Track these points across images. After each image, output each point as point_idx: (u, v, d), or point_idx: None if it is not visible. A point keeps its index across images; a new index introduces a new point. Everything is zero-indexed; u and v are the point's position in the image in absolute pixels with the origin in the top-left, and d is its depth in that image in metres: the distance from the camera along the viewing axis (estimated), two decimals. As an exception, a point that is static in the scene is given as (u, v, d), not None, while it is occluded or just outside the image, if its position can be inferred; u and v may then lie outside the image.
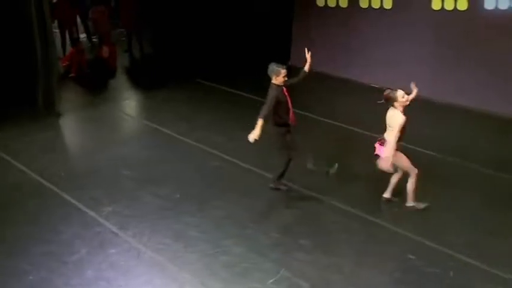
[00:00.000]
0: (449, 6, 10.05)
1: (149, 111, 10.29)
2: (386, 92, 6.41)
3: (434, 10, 10.21)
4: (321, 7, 11.59)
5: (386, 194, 6.92)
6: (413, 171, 6.52)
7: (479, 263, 5.80)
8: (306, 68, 6.99)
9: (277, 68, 6.67)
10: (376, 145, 6.55)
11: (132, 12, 12.74)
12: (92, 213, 6.66)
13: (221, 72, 11.72)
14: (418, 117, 9.35)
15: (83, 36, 14.03)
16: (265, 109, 6.57)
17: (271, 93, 6.63)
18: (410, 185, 6.62)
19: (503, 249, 6.11)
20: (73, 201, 6.92)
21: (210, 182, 7.52)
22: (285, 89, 6.74)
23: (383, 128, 6.49)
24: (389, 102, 6.36)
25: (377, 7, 10.93)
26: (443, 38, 10.26)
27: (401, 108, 6.32)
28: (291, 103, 6.78)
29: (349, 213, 6.81)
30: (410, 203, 6.74)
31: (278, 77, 6.65)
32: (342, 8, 11.37)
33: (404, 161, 6.52)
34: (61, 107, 9.88)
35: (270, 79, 6.74)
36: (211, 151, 8.42)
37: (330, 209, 6.90)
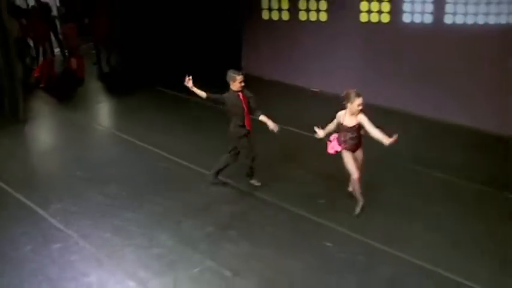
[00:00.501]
0: (374, 19, 10.14)
1: (109, 117, 10.15)
2: (350, 91, 6.33)
3: (363, 22, 10.25)
4: (267, 20, 11.53)
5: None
6: (353, 175, 6.50)
7: (387, 248, 5.92)
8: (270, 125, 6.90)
9: (232, 75, 6.75)
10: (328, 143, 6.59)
11: (102, 29, 12.77)
12: (40, 211, 6.78)
13: (179, 80, 11.53)
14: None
15: (57, 50, 13.78)
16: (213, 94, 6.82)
17: (225, 94, 6.79)
18: (352, 186, 6.72)
19: (417, 237, 6.23)
20: (24, 200, 7.00)
21: (155, 181, 7.66)
22: (241, 95, 6.78)
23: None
24: (345, 101, 6.31)
25: (314, 19, 10.92)
26: (370, 48, 10.51)
27: (349, 112, 6.31)
28: (248, 110, 6.84)
29: (279, 207, 6.92)
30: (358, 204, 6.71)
31: (234, 82, 6.72)
32: (284, 20, 11.38)
33: (347, 162, 6.49)
34: (26, 114, 9.91)
35: (225, 86, 6.83)
36: (162, 153, 8.47)
37: (263, 203, 6.95)
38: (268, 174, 7.43)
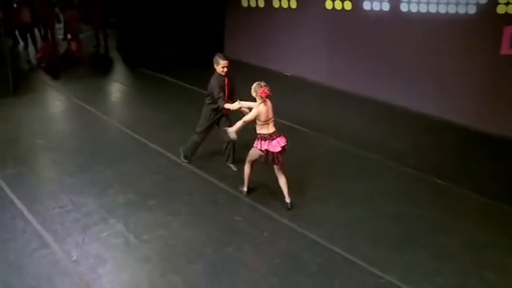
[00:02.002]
0: (338, 6, 9.75)
1: (87, 94, 10.16)
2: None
3: (328, 9, 9.87)
4: (246, 7, 11.29)
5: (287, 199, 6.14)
6: (247, 162, 6.11)
7: (296, 226, 5.69)
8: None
9: (217, 58, 6.44)
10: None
11: (99, 16, 13.03)
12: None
13: (164, 63, 11.55)
14: (312, 100, 9.22)
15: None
16: (220, 97, 6.39)
17: (213, 81, 6.45)
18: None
19: (318, 212, 6.01)
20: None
21: (102, 151, 7.56)
22: (226, 79, 6.47)
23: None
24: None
25: (286, 7, 10.58)
26: (335, 34, 10.15)
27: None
28: (228, 94, 6.50)
29: (203, 179, 6.71)
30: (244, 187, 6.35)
31: (217, 66, 6.43)
32: (260, 8, 11.06)
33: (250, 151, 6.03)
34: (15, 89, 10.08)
35: (209, 69, 6.56)
36: (120, 127, 8.42)
37: (191, 176, 6.73)
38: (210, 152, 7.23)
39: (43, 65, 11.77)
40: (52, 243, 5.42)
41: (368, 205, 6.15)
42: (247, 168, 6.19)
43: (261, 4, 11.12)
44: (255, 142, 5.92)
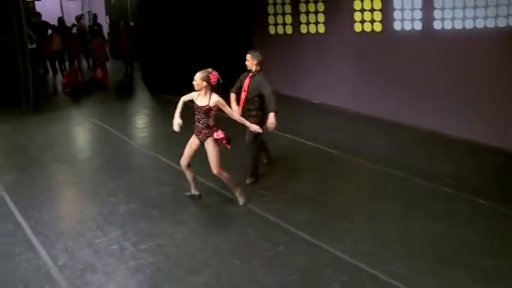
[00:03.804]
0: (367, 28, 9.23)
1: (104, 115, 9.90)
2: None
3: (357, 32, 9.35)
4: (273, 34, 10.91)
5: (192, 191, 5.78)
6: (219, 174, 5.45)
7: (316, 241, 4.93)
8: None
9: (253, 53, 6.07)
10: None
11: (124, 46, 13.08)
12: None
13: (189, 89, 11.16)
14: (340, 124, 8.61)
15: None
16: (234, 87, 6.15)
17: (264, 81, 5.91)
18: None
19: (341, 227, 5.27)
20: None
21: (110, 164, 7.16)
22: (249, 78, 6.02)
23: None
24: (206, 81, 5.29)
25: (313, 32, 10.17)
26: (363, 57, 9.53)
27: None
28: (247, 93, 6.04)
29: (214, 191, 6.09)
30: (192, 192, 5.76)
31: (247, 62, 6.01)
32: (288, 34, 10.66)
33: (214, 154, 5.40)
34: (36, 107, 10.06)
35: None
36: (133, 143, 8.13)
37: (200, 188, 6.09)
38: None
39: (67, 90, 11.65)
40: (39, 247, 4.81)
41: (401, 223, 5.32)
42: (226, 174, 5.47)
43: (289, 31, 10.73)
44: (213, 134, 5.29)
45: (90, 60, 14.06)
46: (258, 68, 5.99)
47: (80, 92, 11.56)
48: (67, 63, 12.92)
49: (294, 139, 8.06)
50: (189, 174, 5.62)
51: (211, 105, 5.24)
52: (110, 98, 11.64)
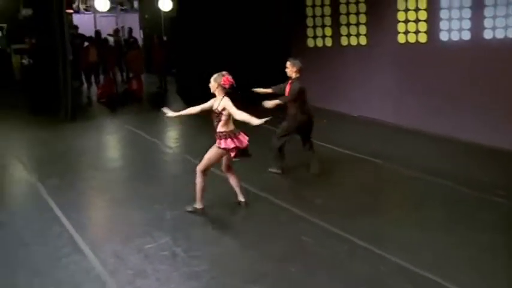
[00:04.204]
0: (412, 39, 8.97)
1: (139, 123, 9.78)
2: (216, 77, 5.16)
3: (400, 43, 9.12)
4: (312, 47, 10.70)
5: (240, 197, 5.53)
6: (199, 171, 5.25)
7: (376, 249, 4.62)
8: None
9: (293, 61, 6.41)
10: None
11: (158, 59, 13.14)
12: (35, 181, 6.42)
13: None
14: (383, 137, 8.32)
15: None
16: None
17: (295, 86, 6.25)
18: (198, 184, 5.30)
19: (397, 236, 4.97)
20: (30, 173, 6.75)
21: (149, 169, 7.02)
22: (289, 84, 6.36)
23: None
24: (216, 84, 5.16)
25: (355, 44, 9.95)
26: (407, 69, 9.24)
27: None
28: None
29: (263, 198, 5.87)
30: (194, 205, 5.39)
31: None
32: (328, 46, 10.45)
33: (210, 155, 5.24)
34: (74, 116, 10.02)
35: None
36: (172, 150, 7.90)
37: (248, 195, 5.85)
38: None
39: (102, 100, 11.63)
40: (87, 251, 4.59)
41: (458, 233, 4.98)
42: (201, 179, 5.25)
43: (328, 43, 10.53)
44: (219, 142, 5.13)
45: (124, 74, 14.09)
46: (298, 75, 6.31)
47: (114, 102, 11.52)
48: (101, 76, 12.98)
49: (337, 150, 7.82)
50: (231, 179, 5.45)
51: (219, 108, 5.09)
52: (145, 108, 11.55)
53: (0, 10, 12.66)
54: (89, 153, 7.95)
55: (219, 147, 5.17)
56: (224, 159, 5.35)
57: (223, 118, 5.11)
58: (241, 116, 5.00)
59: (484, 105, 8.02)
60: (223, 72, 5.15)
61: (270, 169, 6.62)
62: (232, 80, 5.12)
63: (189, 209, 5.36)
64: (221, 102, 5.10)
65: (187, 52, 12.45)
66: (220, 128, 5.14)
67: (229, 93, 5.16)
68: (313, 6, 10.58)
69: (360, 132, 9.07)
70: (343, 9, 10.06)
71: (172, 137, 9.18)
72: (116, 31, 13.52)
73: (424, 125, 8.72)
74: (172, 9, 15.31)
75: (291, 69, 6.30)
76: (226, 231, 5.05)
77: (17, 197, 6.28)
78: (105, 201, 5.97)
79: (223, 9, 11.63)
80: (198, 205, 5.34)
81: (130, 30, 14.31)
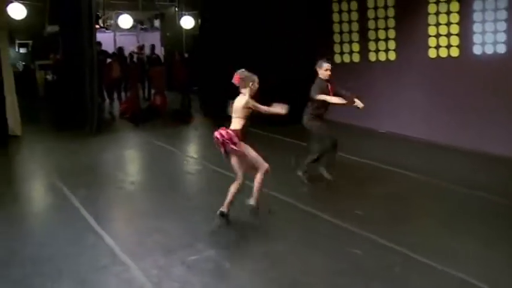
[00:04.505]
0: (443, 53, 8.82)
1: (164, 137, 9.74)
2: (241, 72, 5.05)
3: (431, 58, 8.97)
4: (339, 63, 10.56)
5: (223, 208, 5.15)
6: (263, 166, 5.06)
7: (432, 263, 4.38)
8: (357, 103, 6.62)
9: (321, 62, 6.40)
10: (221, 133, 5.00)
11: (180, 77, 12.98)
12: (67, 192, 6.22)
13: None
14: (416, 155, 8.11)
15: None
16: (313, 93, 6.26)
17: (314, 85, 6.28)
18: (258, 182, 5.10)
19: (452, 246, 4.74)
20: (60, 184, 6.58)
21: (180, 182, 6.99)
22: (329, 85, 6.34)
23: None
24: (242, 84, 5.02)
25: (383, 59, 9.81)
26: (438, 84, 9.06)
27: (250, 93, 5.02)
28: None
29: (301, 210, 5.68)
30: (252, 201, 5.17)
31: (321, 69, 6.32)
32: (355, 62, 10.32)
33: (251, 152, 5.04)
34: (100, 130, 10.06)
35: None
36: (202, 162, 7.54)
37: (285, 206, 5.75)
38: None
39: (126, 115, 11.57)
40: (128, 261, 4.41)
41: (506, 245, 4.74)
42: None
43: (356, 59, 10.42)
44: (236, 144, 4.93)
45: (146, 90, 14.08)
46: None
47: (138, 118, 11.45)
48: (122, 93, 12.99)
49: (367, 162, 7.67)
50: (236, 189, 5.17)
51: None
52: (169, 123, 11.47)
53: (26, 27, 12.74)
54: (116, 165, 7.90)
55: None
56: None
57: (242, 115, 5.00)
58: (264, 109, 5.08)
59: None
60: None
61: (298, 173, 6.54)
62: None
63: (251, 202, 5.17)
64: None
65: (209, 69, 12.44)
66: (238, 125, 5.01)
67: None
68: (340, 22, 10.51)
69: (389, 146, 8.91)
70: (371, 24, 9.97)
71: (198, 151, 9.07)
72: (140, 48, 13.56)
73: (456, 140, 8.48)
74: (194, 27, 15.42)
75: (321, 71, 6.34)
76: (268, 243, 4.83)
77: (49, 206, 6.14)
78: (137, 213, 5.78)
79: (246, 27, 11.58)
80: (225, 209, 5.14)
81: (153, 46, 14.35)
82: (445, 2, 8.74)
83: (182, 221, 5.36)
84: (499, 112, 8.16)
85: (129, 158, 8.64)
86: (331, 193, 6.30)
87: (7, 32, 9.75)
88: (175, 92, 13.50)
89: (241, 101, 5.01)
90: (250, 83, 5.02)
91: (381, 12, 9.80)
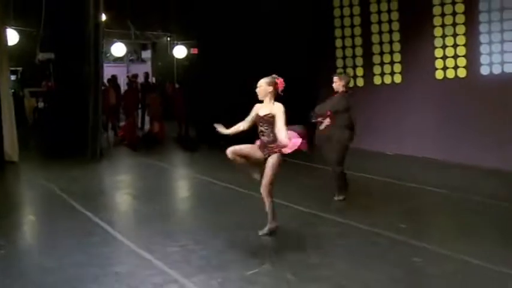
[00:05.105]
0: (450, 75, 8.98)
1: (167, 159, 9.85)
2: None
3: (438, 80, 9.11)
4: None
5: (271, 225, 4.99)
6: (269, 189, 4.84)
7: (502, 269, 4.28)
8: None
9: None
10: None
11: (180, 108, 12.81)
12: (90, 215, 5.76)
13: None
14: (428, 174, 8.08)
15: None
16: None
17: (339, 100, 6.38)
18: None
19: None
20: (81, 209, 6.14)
21: (200, 202, 6.51)
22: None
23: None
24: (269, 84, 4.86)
25: (388, 82, 9.90)
26: (445, 106, 9.21)
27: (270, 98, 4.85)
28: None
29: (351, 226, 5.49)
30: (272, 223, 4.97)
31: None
32: (359, 86, 10.36)
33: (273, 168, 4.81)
34: (102, 156, 9.77)
35: None
36: (214, 181, 7.25)
37: (328, 222, 5.57)
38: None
39: (125, 142, 11.26)
40: (181, 279, 4.09)
41: None
42: (271, 198, 4.89)
43: (360, 83, 10.48)
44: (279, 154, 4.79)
45: (140, 118, 13.80)
46: (345, 89, 6.42)
47: (137, 145, 11.15)
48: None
49: (395, 182, 7.56)
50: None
51: (273, 112, 4.74)
52: (168, 149, 11.22)
53: (17, 54, 12.37)
54: (130, 187, 7.68)
55: (281, 155, 4.76)
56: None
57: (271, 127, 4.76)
58: (283, 134, 4.67)
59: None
60: (274, 76, 4.91)
61: (335, 197, 6.33)
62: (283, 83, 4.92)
63: (265, 231, 4.95)
64: (275, 106, 4.77)
65: (203, 99, 12.34)
66: (269, 137, 4.79)
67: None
68: (343, 47, 10.61)
69: (401, 165, 8.94)
70: (376, 49, 10.11)
71: (210, 170, 8.74)
72: (134, 76, 13.35)
73: (467, 159, 8.54)
74: (186, 57, 15.36)
75: (339, 83, 6.36)
76: (323, 256, 4.59)
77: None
78: (179, 229, 5.49)
79: (243, 55, 11.54)
80: (273, 224, 4.95)
81: (147, 74, 14.17)
82: (451, 25, 8.99)
83: (220, 237, 5.05)
84: (508, 130, 8.29)
85: (139, 180, 8.31)
86: (363, 208, 6.13)
87: (7, 56, 9.39)
88: (173, 120, 13.28)
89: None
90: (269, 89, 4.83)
91: (386, 37, 9.97)
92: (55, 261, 4.48)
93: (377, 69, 10.15)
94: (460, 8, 8.87)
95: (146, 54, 18.35)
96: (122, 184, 7.90)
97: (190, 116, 12.97)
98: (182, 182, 7.94)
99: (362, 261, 4.45)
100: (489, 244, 4.86)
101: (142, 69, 17.45)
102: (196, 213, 6.17)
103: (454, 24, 8.95)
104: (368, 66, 10.27)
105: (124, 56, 16.42)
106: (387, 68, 10.01)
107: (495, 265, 4.26)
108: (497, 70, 8.51)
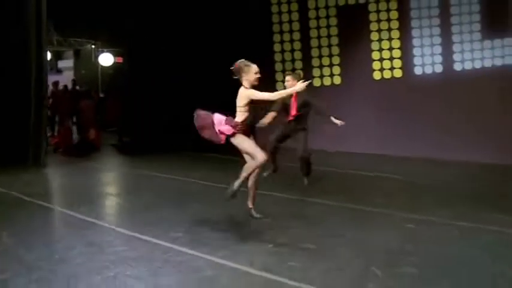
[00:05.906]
0: (387, 75, 9.75)
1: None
2: (239, 62, 4.81)
3: (376, 80, 9.85)
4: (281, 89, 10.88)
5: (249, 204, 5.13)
6: (259, 156, 4.67)
7: None
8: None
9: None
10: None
11: (115, 112, 12.61)
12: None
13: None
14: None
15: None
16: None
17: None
18: (249, 166, 4.74)
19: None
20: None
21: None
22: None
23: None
24: (238, 74, 4.78)
25: (328, 84, 10.44)
26: (385, 103, 9.97)
27: (248, 86, 4.76)
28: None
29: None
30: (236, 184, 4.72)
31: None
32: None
33: (248, 146, 4.75)
34: (46, 161, 9.03)
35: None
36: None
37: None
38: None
39: (59, 150, 10.57)
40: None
41: None
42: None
43: (300, 85, 10.88)
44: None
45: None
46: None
47: (72, 152, 10.52)
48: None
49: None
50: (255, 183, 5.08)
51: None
52: (104, 156, 10.78)
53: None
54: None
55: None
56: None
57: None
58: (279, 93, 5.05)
59: (459, 125, 8.99)
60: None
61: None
62: None
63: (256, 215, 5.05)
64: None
65: (133, 106, 12.04)
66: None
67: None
68: (282, 51, 11.02)
69: (353, 160, 9.48)
70: (315, 52, 10.63)
71: (176, 169, 8.47)
72: (56, 84, 12.58)
73: (410, 150, 9.31)
74: (111, 65, 14.85)
75: (291, 83, 6.36)
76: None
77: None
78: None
79: (173, 64, 11.53)
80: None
81: (74, 81, 13.40)
82: (386, 30, 9.80)
83: (242, 242, 4.62)
84: (441, 121, 9.21)
85: (97, 183, 7.80)
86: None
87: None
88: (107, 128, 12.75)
89: (240, 93, 4.77)
90: (245, 74, 4.74)
91: (324, 41, 10.56)
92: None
93: (316, 72, 10.68)
94: (394, 14, 9.76)
95: (63, 63, 17.33)
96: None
97: (124, 123, 12.63)
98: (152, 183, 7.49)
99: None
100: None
101: (64, 78, 16.52)
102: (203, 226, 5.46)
103: (389, 29, 9.79)
104: (307, 69, 10.74)
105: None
106: (326, 71, 10.57)
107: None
108: (428, 70, 9.45)
